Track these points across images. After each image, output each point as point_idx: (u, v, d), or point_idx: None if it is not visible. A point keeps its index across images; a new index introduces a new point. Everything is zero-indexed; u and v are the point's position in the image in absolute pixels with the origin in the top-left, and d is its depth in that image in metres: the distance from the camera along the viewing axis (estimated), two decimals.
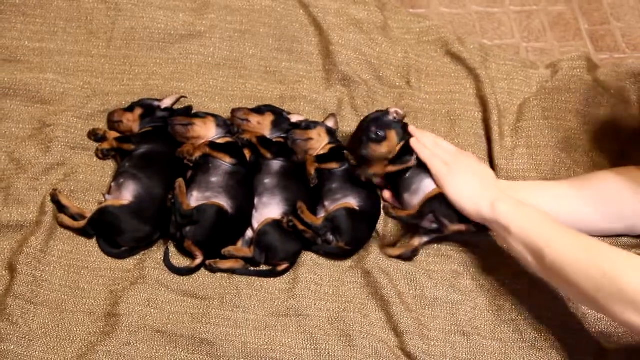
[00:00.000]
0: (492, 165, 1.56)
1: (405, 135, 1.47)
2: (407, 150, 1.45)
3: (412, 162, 1.43)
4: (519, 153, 1.56)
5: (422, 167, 1.42)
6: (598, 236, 1.40)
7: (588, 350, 1.35)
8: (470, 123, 1.63)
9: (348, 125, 1.58)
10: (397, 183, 1.44)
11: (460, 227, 1.38)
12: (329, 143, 1.51)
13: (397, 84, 1.68)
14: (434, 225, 1.40)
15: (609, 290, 1.14)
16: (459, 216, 1.37)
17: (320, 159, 1.47)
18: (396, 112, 1.48)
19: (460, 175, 1.38)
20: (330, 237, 1.41)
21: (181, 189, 1.39)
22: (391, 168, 1.44)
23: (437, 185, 1.39)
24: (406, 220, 1.41)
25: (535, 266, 1.26)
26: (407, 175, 1.43)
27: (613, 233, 1.45)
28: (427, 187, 1.41)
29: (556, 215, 1.31)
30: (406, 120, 1.51)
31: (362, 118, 1.53)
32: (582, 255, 1.19)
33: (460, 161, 1.41)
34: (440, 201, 1.37)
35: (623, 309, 1.12)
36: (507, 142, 1.58)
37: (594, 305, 1.18)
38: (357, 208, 1.42)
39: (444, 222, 1.38)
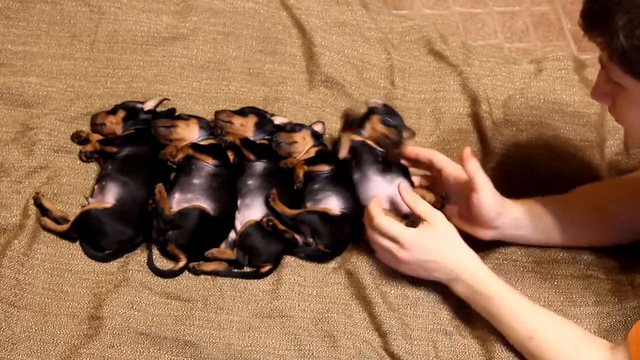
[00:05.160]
0: (485, 149, 1.57)
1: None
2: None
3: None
4: (511, 141, 1.57)
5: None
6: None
7: None
8: (454, 119, 1.64)
9: (331, 127, 1.58)
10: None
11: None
12: (314, 146, 1.51)
13: (382, 84, 1.68)
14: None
15: None
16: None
17: (309, 161, 1.47)
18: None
19: (412, 271, 1.37)
20: (310, 239, 1.41)
21: (161, 195, 1.38)
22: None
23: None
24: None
25: None
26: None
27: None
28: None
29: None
30: None
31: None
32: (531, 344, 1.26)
33: (410, 258, 1.33)
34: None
35: None
36: (500, 130, 1.59)
37: None
38: (338, 211, 1.42)
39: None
